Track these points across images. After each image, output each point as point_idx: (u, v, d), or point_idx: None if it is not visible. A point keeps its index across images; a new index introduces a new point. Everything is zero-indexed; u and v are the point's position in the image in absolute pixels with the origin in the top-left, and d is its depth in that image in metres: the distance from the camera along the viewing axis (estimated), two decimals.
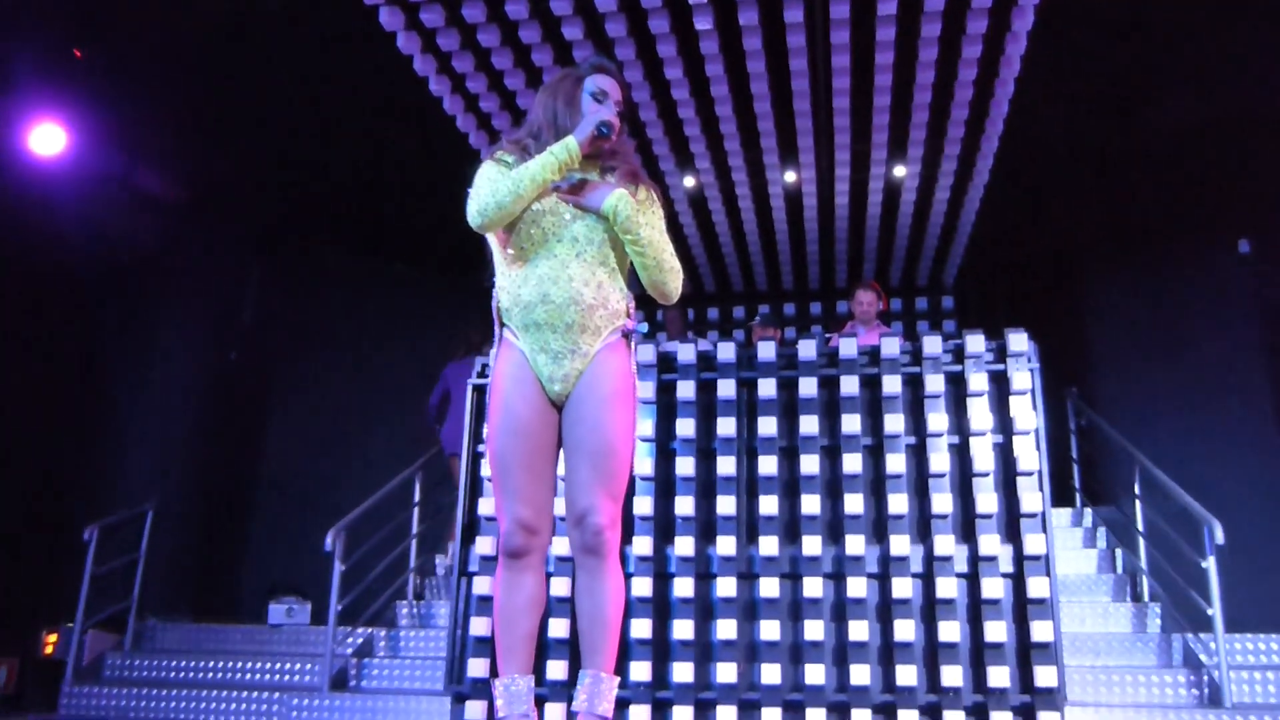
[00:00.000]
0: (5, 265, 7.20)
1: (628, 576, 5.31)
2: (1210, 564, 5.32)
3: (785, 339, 9.11)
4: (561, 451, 3.05)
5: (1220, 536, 5.23)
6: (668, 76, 6.60)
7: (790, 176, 8.14)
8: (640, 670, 5.15)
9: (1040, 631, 4.87)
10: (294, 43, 6.69)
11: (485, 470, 5.68)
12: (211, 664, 6.60)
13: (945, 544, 5.08)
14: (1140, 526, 6.52)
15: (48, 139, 6.92)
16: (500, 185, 2.95)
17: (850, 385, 5.45)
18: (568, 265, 2.98)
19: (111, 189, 7.68)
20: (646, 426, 5.56)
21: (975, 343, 5.38)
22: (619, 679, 2.95)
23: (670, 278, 3.11)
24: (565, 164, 2.96)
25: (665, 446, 5.59)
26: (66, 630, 6.86)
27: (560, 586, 5.27)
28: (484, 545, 5.52)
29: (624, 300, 3.08)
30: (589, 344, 2.98)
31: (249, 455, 9.36)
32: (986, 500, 5.12)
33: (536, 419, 2.99)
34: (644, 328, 3.07)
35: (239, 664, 6.54)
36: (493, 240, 3.12)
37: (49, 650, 7.06)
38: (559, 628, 5.26)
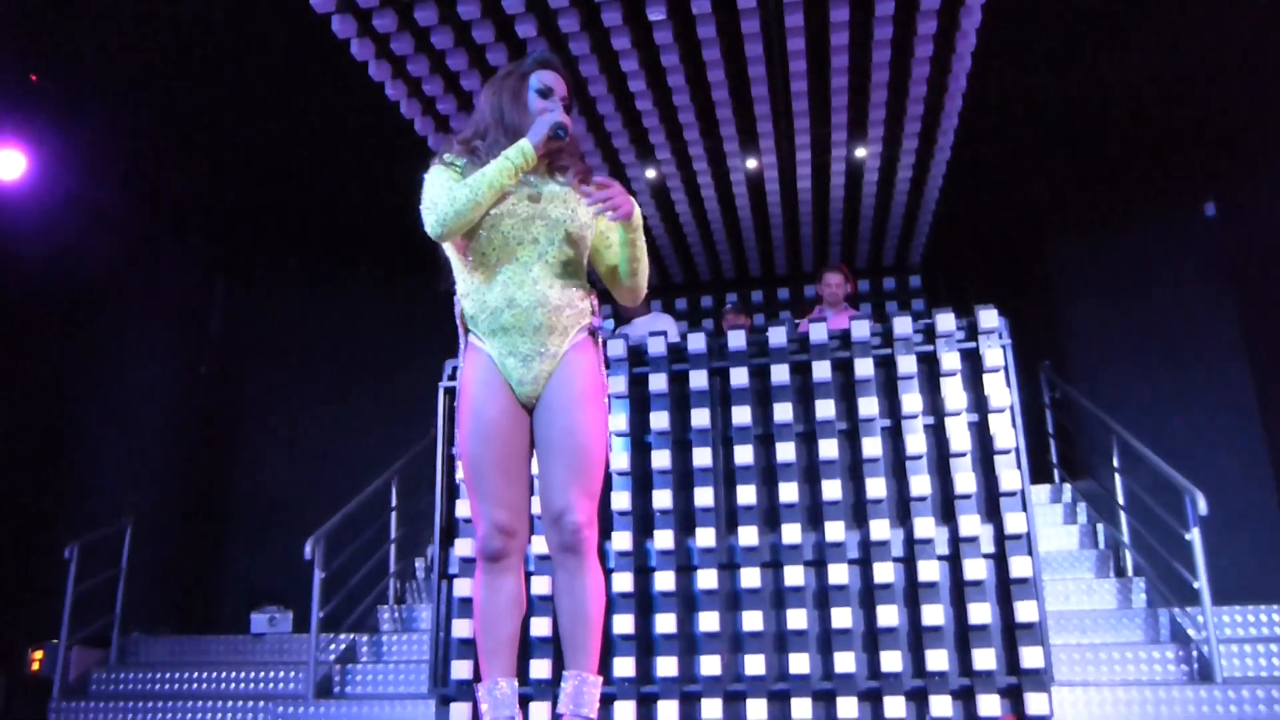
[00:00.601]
0: None
1: (609, 572, 5.30)
2: (1194, 535, 5.28)
3: (755, 326, 9.09)
4: (535, 452, 3.02)
5: (1203, 507, 5.18)
6: (624, 69, 6.56)
7: (751, 163, 8.11)
8: (624, 666, 5.14)
9: (1024, 611, 4.86)
10: (248, 57, 6.67)
11: (463, 473, 5.64)
12: (196, 675, 6.56)
13: (925, 526, 5.08)
14: (1120, 500, 6.52)
15: (8, 164, 6.87)
16: (458, 194, 2.90)
17: (822, 370, 5.44)
18: (530, 268, 2.95)
19: (73, 210, 7.64)
20: (620, 421, 5.54)
21: (946, 321, 5.37)
22: (603, 678, 2.92)
23: (645, 277, 3.17)
24: (521, 168, 2.94)
25: (640, 440, 5.57)
26: (52, 647, 6.84)
27: (541, 585, 5.25)
28: (463, 547, 5.49)
29: (588, 297, 3.06)
30: (557, 344, 2.96)
31: (224, 467, 9.33)
32: (965, 480, 5.12)
33: (508, 422, 2.96)
34: (609, 324, 3.06)
35: (223, 674, 6.50)
36: (449, 247, 3.07)
37: (35, 668, 7.06)
38: (541, 626, 5.24)
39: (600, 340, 3.08)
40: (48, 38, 6.40)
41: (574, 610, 2.89)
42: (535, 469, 3.00)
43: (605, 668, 5.15)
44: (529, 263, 2.96)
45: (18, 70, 6.64)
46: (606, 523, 5.41)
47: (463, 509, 5.57)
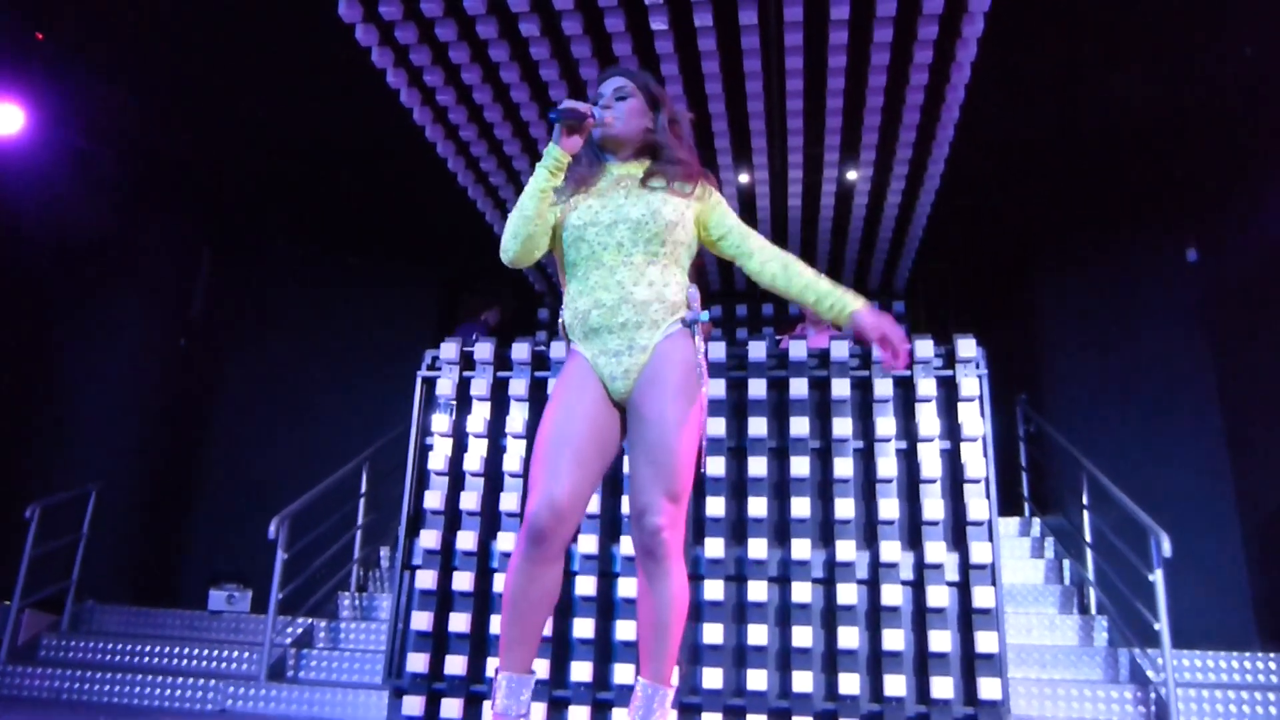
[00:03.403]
0: None
1: (601, 575, 5.29)
2: (1158, 577, 5.32)
3: (736, 339, 9.09)
4: (627, 453, 3.00)
5: (1168, 548, 5.22)
6: None
7: (743, 178, 8.13)
8: (581, 671, 5.12)
9: (985, 642, 4.87)
10: (253, 32, 6.64)
11: (436, 463, 5.63)
12: (148, 648, 6.50)
13: (891, 550, 5.08)
14: (1088, 537, 6.55)
15: (6, 118, 6.82)
16: (512, 218, 3.05)
17: (799, 388, 5.44)
18: (615, 271, 2.99)
19: (67, 171, 7.59)
20: None
21: (924, 348, 5.39)
22: (674, 689, 2.85)
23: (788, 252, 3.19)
24: (552, 167, 3.00)
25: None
26: (3, 608, 6.76)
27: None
28: (428, 539, 5.46)
29: (682, 291, 3.05)
30: (646, 338, 2.95)
31: (196, 441, 9.29)
32: (933, 507, 5.13)
33: (595, 411, 2.95)
34: (705, 315, 3.03)
35: (177, 649, 6.45)
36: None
37: None
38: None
39: (697, 333, 3.03)
40: None
41: (650, 616, 2.84)
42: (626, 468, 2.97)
43: (558, 670, 5.14)
44: (614, 267, 2.99)
45: (21, 25, 6.59)
46: (588, 526, 5.39)
47: (431, 500, 5.54)
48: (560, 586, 2.91)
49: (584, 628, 5.16)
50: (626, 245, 2.99)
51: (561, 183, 3.08)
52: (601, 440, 2.94)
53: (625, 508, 5.38)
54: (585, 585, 5.24)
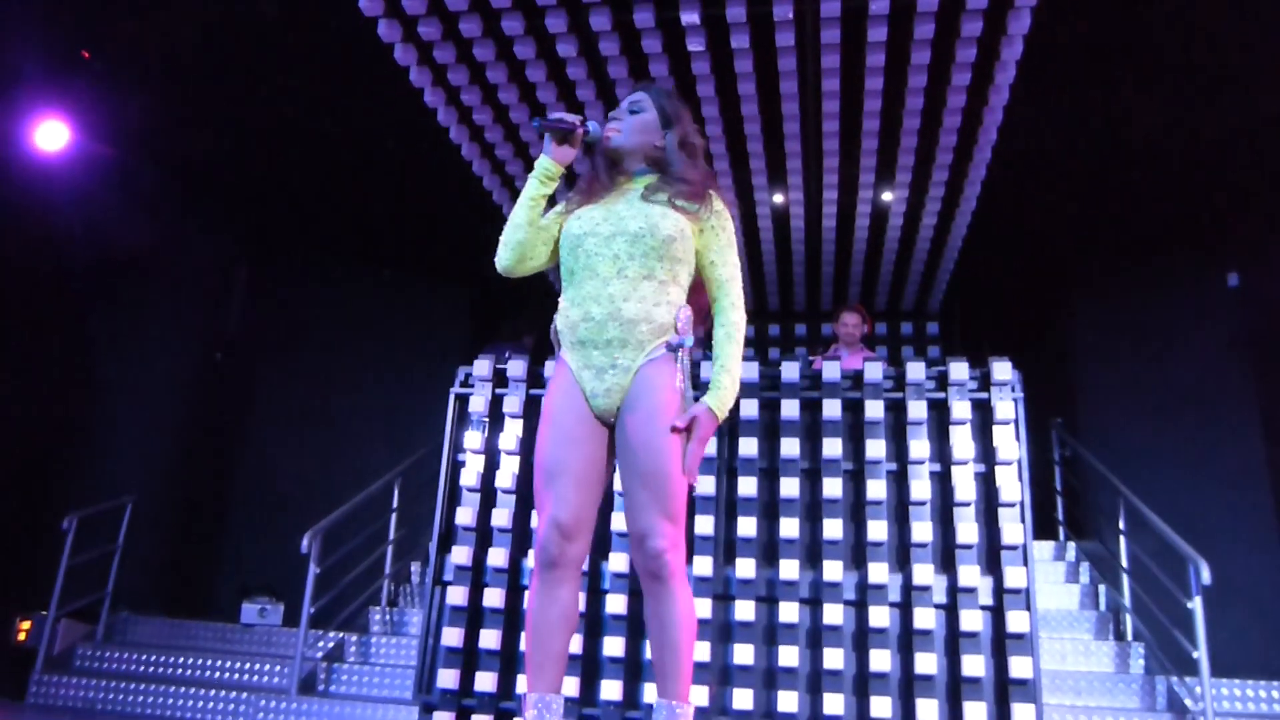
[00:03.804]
0: (1, 257, 7.23)
1: (602, 593, 5.29)
2: (1196, 605, 5.24)
3: (769, 359, 9.08)
4: (618, 471, 3.00)
5: (1207, 576, 5.14)
6: None
7: (778, 198, 8.12)
8: (611, 689, 5.11)
9: (1019, 667, 4.84)
10: (291, 50, 6.70)
11: (468, 480, 5.65)
12: (181, 660, 6.55)
13: (924, 573, 5.05)
14: (1124, 563, 6.48)
15: (52, 135, 6.91)
16: (506, 227, 3.11)
17: (832, 409, 5.43)
18: (609, 283, 2.98)
19: (108, 186, 7.67)
20: None
21: (959, 370, 5.37)
22: (692, 706, 2.85)
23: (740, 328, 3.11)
24: (542, 177, 3.07)
25: None
26: (40, 618, 6.84)
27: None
28: (460, 555, 5.48)
29: (672, 313, 3.02)
30: (630, 359, 2.95)
31: (231, 454, 9.34)
32: (967, 530, 5.10)
33: (583, 430, 2.96)
34: (689, 341, 3.02)
35: (209, 661, 6.49)
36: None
37: (22, 637, 7.02)
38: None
39: (681, 357, 3.02)
40: (98, 12, 6.45)
41: (659, 636, 2.84)
42: (618, 485, 2.98)
43: (592, 690, 5.13)
44: (608, 278, 2.99)
45: (68, 42, 6.69)
46: (605, 544, 5.40)
47: (463, 516, 5.56)
48: (578, 605, 2.94)
49: (614, 646, 5.17)
50: (623, 258, 2.99)
51: (552, 192, 3.12)
52: (595, 460, 2.97)
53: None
54: (615, 604, 5.24)
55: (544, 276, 3.55)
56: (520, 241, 3.07)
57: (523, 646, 5.13)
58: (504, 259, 3.11)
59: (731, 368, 3.00)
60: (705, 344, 3.08)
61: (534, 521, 5.39)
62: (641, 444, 2.87)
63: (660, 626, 2.84)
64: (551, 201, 3.16)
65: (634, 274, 2.98)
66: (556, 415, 2.99)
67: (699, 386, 5.53)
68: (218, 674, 6.46)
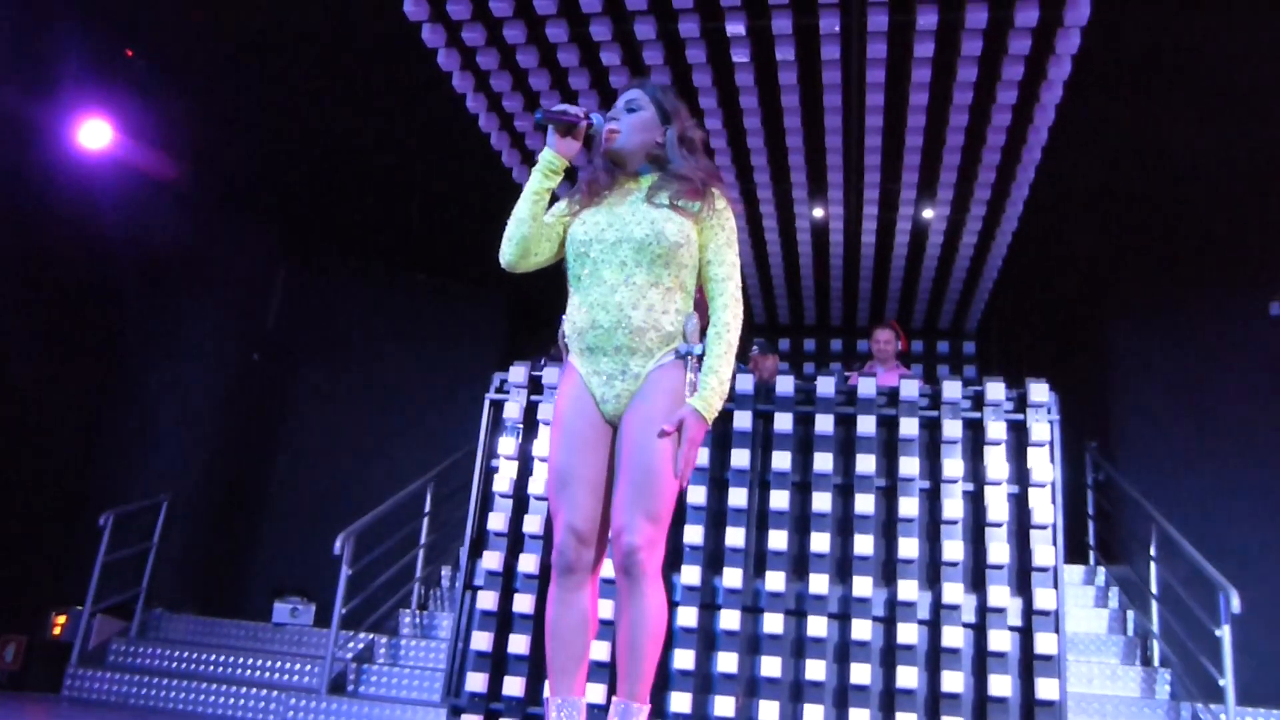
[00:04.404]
0: (45, 255, 7.37)
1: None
2: (1225, 633, 5.21)
3: (804, 374, 9.08)
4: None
5: (1236, 605, 5.12)
6: (702, 105, 6.60)
7: (818, 212, 8.12)
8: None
9: (1046, 689, 4.81)
10: (335, 52, 6.76)
11: (501, 486, 5.69)
12: (213, 657, 6.62)
13: (954, 592, 5.04)
14: (1154, 589, 6.43)
15: (95, 134, 6.98)
16: (510, 221, 3.08)
17: (867, 425, 5.43)
18: (616, 290, 2.98)
19: (150, 186, 7.76)
20: None
21: (995, 390, 5.36)
22: (650, 707, 2.88)
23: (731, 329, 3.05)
24: (546, 170, 3.04)
25: None
26: (76, 613, 6.92)
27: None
28: (491, 560, 5.51)
29: (679, 321, 3.02)
30: (639, 365, 2.96)
31: (266, 454, 9.42)
32: (998, 550, 5.09)
33: (593, 435, 2.98)
34: (699, 349, 3.02)
35: (240, 660, 6.55)
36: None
37: (57, 631, 7.12)
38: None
39: (691, 364, 3.01)
40: (143, 13, 6.54)
41: (626, 636, 2.85)
42: None
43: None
44: (615, 285, 2.98)
45: (112, 43, 6.79)
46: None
47: (495, 521, 5.59)
48: (597, 609, 2.96)
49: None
50: (629, 265, 2.99)
51: (557, 185, 3.08)
52: (603, 462, 2.98)
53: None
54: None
55: None
56: (525, 236, 3.05)
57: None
58: (507, 254, 3.08)
59: (719, 368, 2.97)
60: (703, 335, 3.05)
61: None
62: (635, 442, 2.89)
63: (629, 626, 2.85)
64: (553, 198, 3.15)
65: (641, 281, 2.98)
66: (567, 420, 3.00)
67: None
68: (249, 672, 6.51)
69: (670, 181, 3.10)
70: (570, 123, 3.02)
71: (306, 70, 7.00)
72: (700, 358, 2.99)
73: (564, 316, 3.12)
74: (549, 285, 3.16)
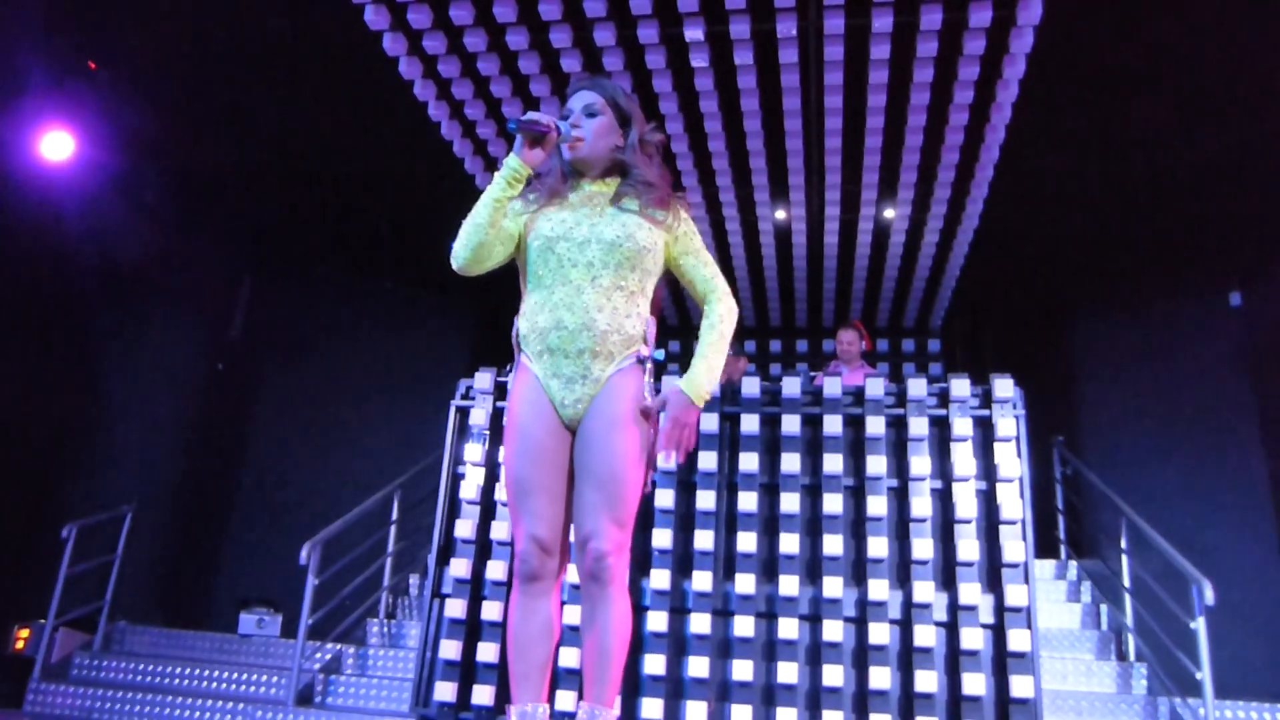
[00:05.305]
0: (6, 266, 7.26)
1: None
2: (1199, 625, 5.21)
3: (770, 375, 9.08)
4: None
5: (1210, 597, 5.11)
6: (662, 111, 6.59)
7: (780, 214, 8.13)
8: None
9: (1020, 687, 4.81)
10: (294, 62, 6.72)
11: (468, 492, 5.65)
12: (179, 670, 6.52)
13: (925, 590, 5.04)
14: (1126, 582, 6.45)
15: (57, 145, 6.92)
16: (465, 225, 3.02)
17: (834, 425, 5.42)
18: (583, 291, 2.96)
19: (112, 196, 7.70)
20: None
21: (961, 387, 5.36)
22: (618, 713, 2.87)
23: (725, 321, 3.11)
24: (510, 178, 2.99)
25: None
26: (38, 627, 6.84)
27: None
28: (458, 568, 5.47)
29: (641, 325, 3.03)
30: (600, 369, 2.94)
31: (230, 465, 9.35)
32: (968, 547, 5.09)
33: (552, 442, 2.95)
34: (659, 354, 3.02)
35: (206, 672, 6.46)
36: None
37: (20, 646, 7.04)
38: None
39: (649, 369, 3.03)
40: (104, 25, 6.48)
41: (594, 641, 2.85)
42: None
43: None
44: (581, 285, 2.96)
45: (73, 55, 6.72)
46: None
47: (462, 529, 5.55)
48: (558, 617, 2.97)
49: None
50: (596, 265, 2.97)
51: (518, 194, 3.05)
52: (562, 468, 2.96)
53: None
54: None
55: None
56: (481, 243, 3.00)
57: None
58: (461, 258, 3.03)
59: (709, 354, 3.00)
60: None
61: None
62: (599, 447, 2.88)
63: (596, 631, 2.84)
64: None
65: (607, 283, 2.97)
66: (524, 427, 2.97)
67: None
68: (215, 685, 6.43)
69: (638, 188, 3.09)
70: (542, 132, 2.97)
71: (269, 80, 6.95)
72: (658, 363, 3.00)
73: (519, 316, 3.09)
74: (513, 291, 3.12)
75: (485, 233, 3.00)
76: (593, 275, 2.97)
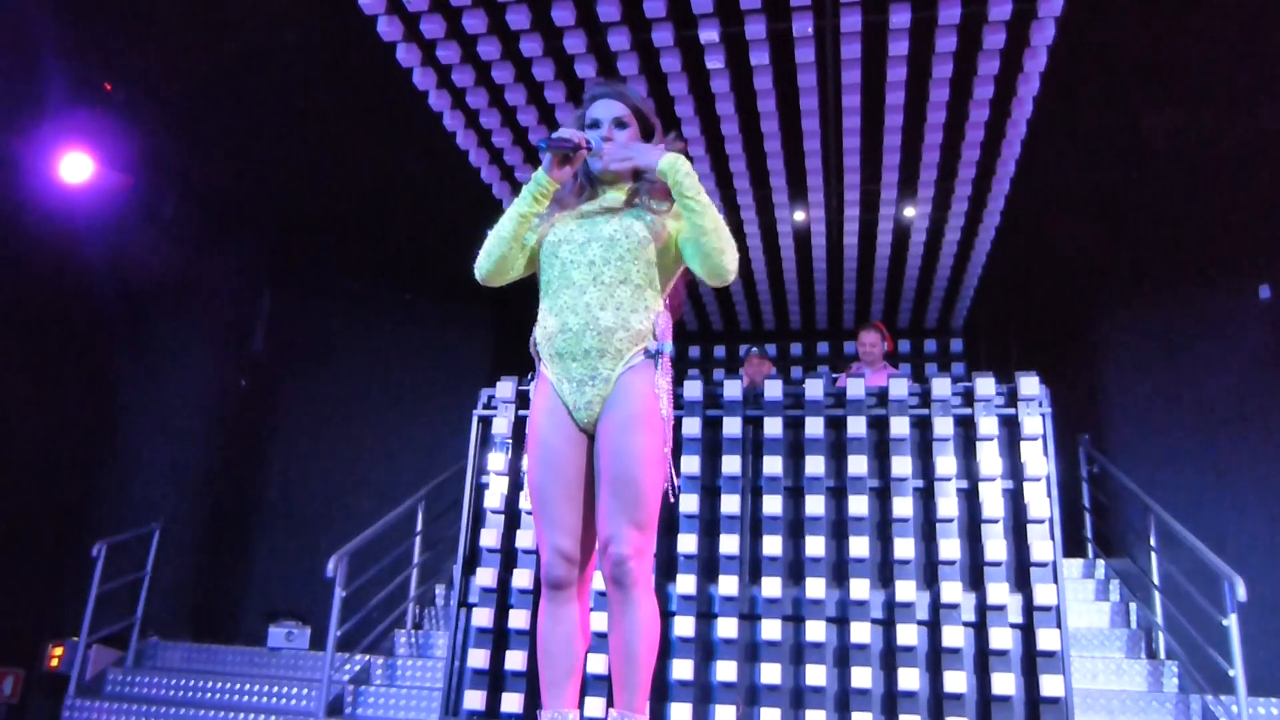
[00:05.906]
0: (30, 288, 7.35)
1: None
2: (1231, 622, 5.13)
3: (792, 378, 9.05)
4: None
5: (1242, 593, 5.02)
6: (678, 114, 6.59)
7: (799, 215, 8.10)
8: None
9: (1050, 686, 4.77)
10: (309, 75, 6.75)
11: (492, 501, 5.66)
12: (210, 684, 6.56)
13: (952, 591, 5.01)
14: (1156, 580, 6.39)
15: (76, 167, 6.98)
16: (489, 236, 3.05)
17: (857, 426, 5.40)
18: (585, 291, 2.95)
19: (132, 214, 7.76)
20: None
21: (985, 386, 5.33)
22: (648, 718, 2.84)
23: (729, 249, 2.93)
24: (537, 194, 3.00)
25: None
26: (72, 644, 6.91)
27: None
28: (484, 577, 5.48)
29: (649, 319, 2.98)
30: (609, 369, 2.92)
31: (256, 479, 9.39)
32: (995, 547, 5.05)
33: (571, 449, 2.94)
34: (669, 347, 2.99)
35: (237, 686, 6.49)
36: None
37: (54, 663, 7.13)
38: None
39: (661, 364, 2.99)
40: (120, 46, 6.54)
41: (620, 646, 2.82)
42: None
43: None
44: (584, 285, 2.95)
45: (91, 76, 6.77)
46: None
47: (487, 538, 5.56)
48: (587, 623, 2.96)
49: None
50: (598, 263, 2.96)
51: (544, 209, 3.06)
52: (583, 474, 2.96)
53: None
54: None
55: None
56: (504, 255, 3.04)
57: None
58: (483, 269, 3.08)
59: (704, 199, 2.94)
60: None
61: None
62: (615, 450, 2.85)
63: (622, 636, 2.82)
64: None
65: (610, 279, 2.95)
66: (544, 436, 2.96)
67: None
68: (246, 698, 6.46)
69: (646, 185, 3.08)
70: (572, 149, 2.96)
71: (284, 94, 6.99)
72: (670, 357, 2.98)
73: (535, 326, 3.08)
74: (534, 300, 3.11)
75: (508, 245, 3.02)
76: (594, 274, 2.95)
